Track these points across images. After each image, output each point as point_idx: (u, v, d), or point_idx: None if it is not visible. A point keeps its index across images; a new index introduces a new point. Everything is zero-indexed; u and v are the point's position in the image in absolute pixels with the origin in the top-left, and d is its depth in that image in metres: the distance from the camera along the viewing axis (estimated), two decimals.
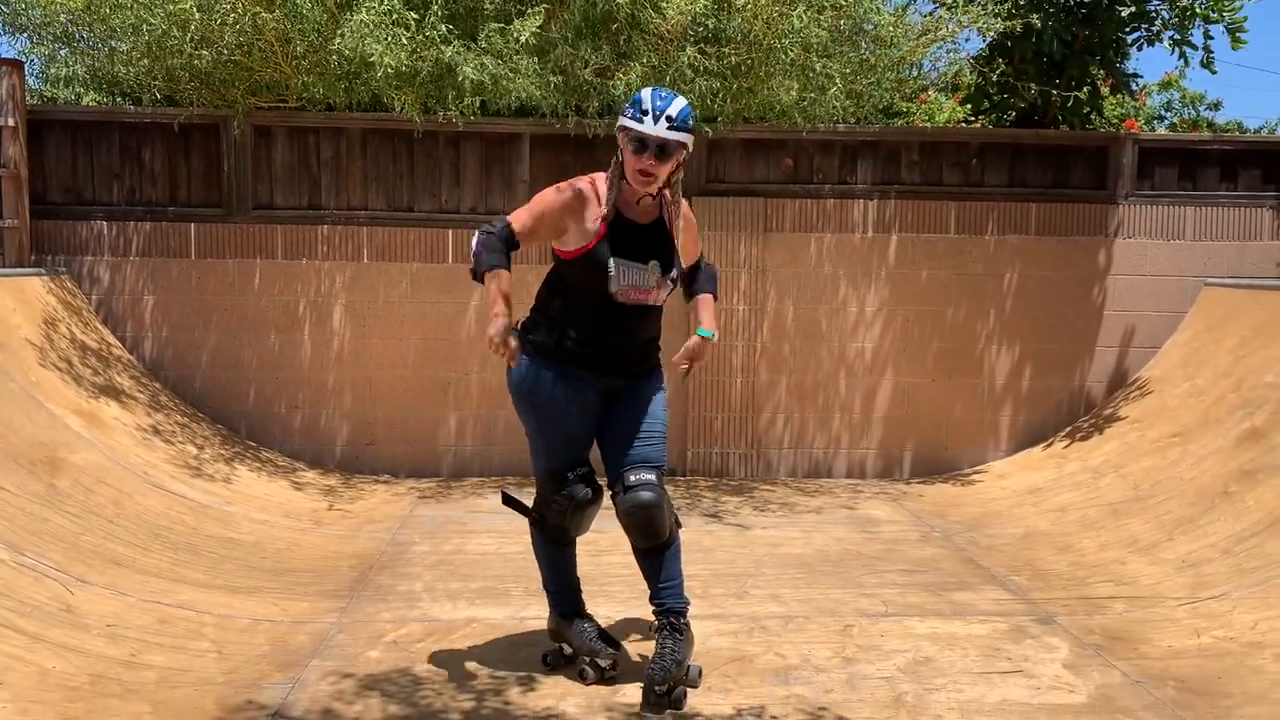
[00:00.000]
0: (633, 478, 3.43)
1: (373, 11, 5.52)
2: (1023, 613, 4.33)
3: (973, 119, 7.91)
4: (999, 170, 6.99)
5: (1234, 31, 6.63)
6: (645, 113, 3.29)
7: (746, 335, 6.79)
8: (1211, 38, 6.71)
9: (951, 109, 8.57)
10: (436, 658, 3.80)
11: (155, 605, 4.06)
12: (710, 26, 5.83)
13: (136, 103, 6.79)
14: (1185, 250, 7.02)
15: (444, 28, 5.68)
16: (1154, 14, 6.90)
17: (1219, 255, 7.03)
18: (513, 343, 3.37)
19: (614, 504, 3.48)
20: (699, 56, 5.77)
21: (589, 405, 3.51)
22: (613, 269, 3.35)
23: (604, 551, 4.76)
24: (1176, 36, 6.76)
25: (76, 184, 6.59)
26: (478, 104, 5.89)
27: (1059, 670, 3.74)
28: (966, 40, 6.63)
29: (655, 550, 3.50)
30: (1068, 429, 6.88)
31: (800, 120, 6.21)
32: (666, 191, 3.49)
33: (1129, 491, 5.69)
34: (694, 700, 3.44)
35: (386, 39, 5.56)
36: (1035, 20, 6.41)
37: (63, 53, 6.50)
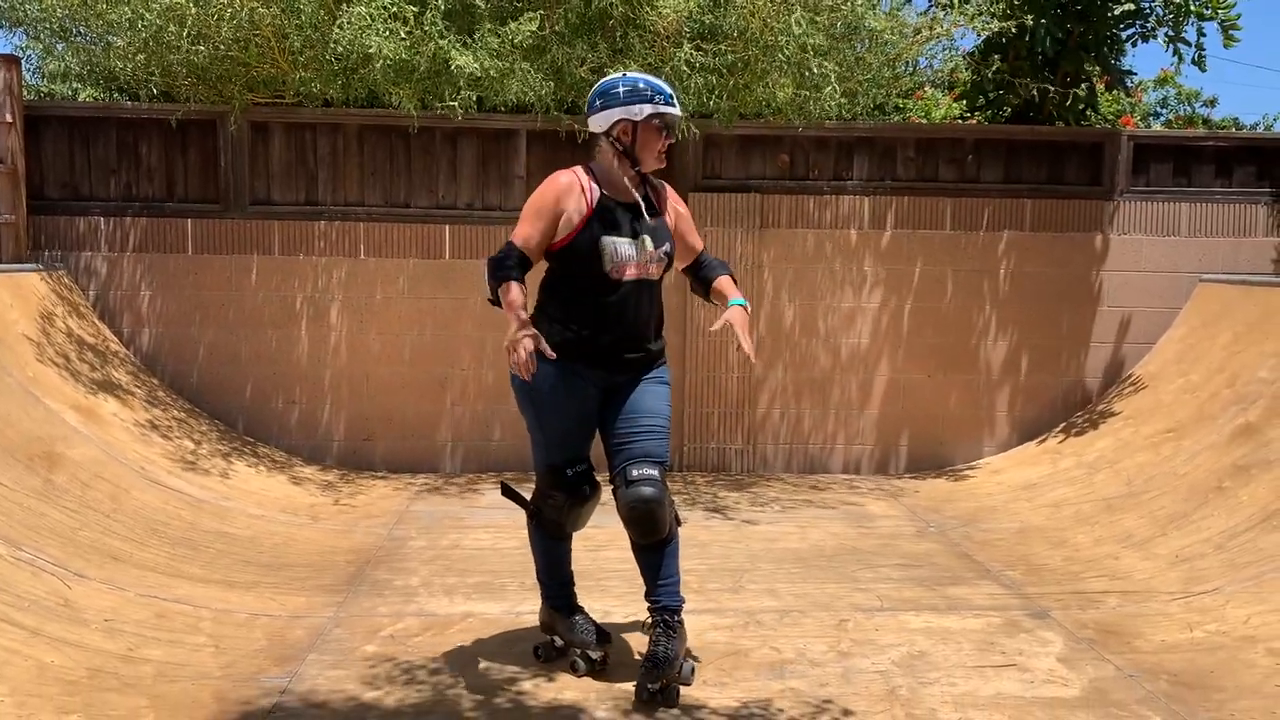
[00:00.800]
0: (634, 472, 3.44)
1: (372, 4, 5.52)
2: (1017, 607, 4.36)
3: (968, 115, 7.92)
4: (994, 166, 7.00)
5: (1227, 28, 6.64)
6: (671, 97, 3.50)
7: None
8: (1205, 34, 6.73)
9: (948, 105, 8.58)
10: (433, 652, 3.81)
11: (153, 600, 4.07)
12: (706, 23, 5.84)
13: (133, 98, 6.79)
14: (1180, 246, 7.04)
15: (441, 23, 5.68)
16: (1148, 10, 6.92)
17: (1214, 251, 7.05)
18: (530, 345, 3.25)
19: (615, 498, 3.49)
20: (695, 53, 5.78)
21: (589, 401, 3.53)
22: (605, 245, 3.42)
23: (601, 547, 4.78)
24: (1171, 33, 6.78)
25: (73, 179, 6.60)
26: (474, 99, 5.90)
27: (1053, 664, 3.76)
28: (962, 37, 6.63)
29: (654, 547, 3.51)
30: (1062, 424, 6.90)
31: (795, 118, 6.22)
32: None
33: (1123, 487, 5.71)
34: (689, 694, 3.46)
35: (384, 32, 5.56)
36: (1029, 20, 6.43)
37: (59, 48, 6.49)
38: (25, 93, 6.56)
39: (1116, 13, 6.84)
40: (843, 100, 6.22)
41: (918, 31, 6.43)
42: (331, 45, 5.69)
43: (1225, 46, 6.69)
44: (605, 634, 3.72)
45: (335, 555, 4.97)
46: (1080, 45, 6.90)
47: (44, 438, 4.94)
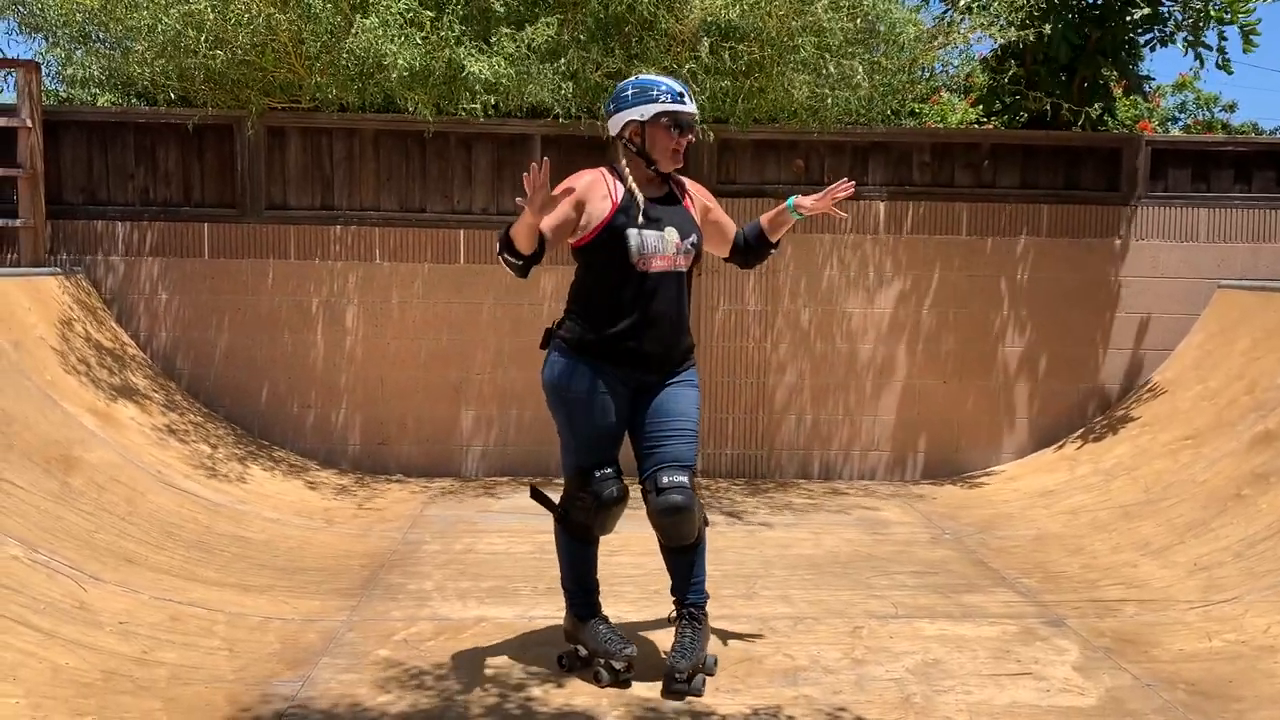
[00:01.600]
0: (665, 479, 3.48)
1: (388, 11, 5.54)
2: (1033, 615, 4.33)
3: (985, 120, 7.89)
4: (1011, 171, 6.97)
5: (1247, 33, 6.60)
6: (681, 95, 3.51)
7: (758, 336, 6.80)
8: (1225, 39, 6.69)
9: (964, 110, 8.55)
10: (446, 656, 3.81)
11: (167, 603, 4.08)
12: (724, 22, 5.82)
13: (151, 103, 6.83)
14: (1198, 252, 6.99)
15: (458, 28, 5.70)
16: (1167, 15, 6.87)
17: (1232, 257, 7.00)
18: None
19: (645, 503, 3.54)
20: (710, 57, 5.77)
21: (620, 403, 3.56)
22: (630, 236, 3.46)
23: (614, 552, 4.76)
24: (1190, 38, 6.74)
25: (91, 184, 6.64)
26: (491, 103, 5.91)
27: (1068, 673, 3.74)
28: (978, 41, 6.59)
29: (684, 549, 3.59)
30: (1080, 431, 6.86)
31: (810, 121, 6.21)
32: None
33: (1140, 494, 5.67)
34: (703, 700, 3.45)
35: (400, 39, 5.58)
36: (1046, 28, 6.40)
37: (79, 53, 6.52)
38: (45, 98, 6.61)
39: (1135, 17, 6.80)
40: (859, 105, 6.20)
41: (934, 37, 6.41)
42: (347, 51, 5.71)
43: (1245, 51, 6.66)
44: (629, 643, 3.69)
45: (349, 559, 4.98)
46: (1098, 50, 6.86)
47: (61, 441, 4.96)
